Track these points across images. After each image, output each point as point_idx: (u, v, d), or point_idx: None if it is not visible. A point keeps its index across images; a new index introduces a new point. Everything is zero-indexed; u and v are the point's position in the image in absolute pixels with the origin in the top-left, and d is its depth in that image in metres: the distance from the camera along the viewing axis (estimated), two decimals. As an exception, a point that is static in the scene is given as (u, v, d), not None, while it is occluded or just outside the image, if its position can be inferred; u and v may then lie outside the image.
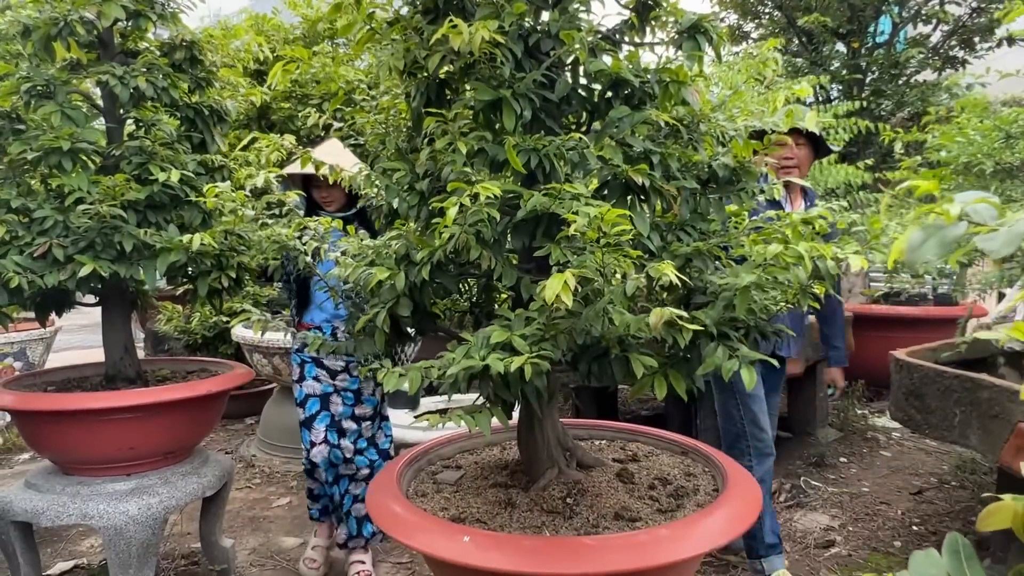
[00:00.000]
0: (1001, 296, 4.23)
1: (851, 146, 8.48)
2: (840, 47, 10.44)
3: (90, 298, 3.32)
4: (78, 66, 3.28)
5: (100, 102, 3.32)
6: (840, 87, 9.86)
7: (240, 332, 5.08)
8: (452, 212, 1.60)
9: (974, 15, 10.14)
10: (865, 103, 8.95)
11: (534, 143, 1.87)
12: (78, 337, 10.46)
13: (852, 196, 6.52)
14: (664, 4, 2.44)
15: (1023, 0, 3.50)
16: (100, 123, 3.37)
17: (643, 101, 2.10)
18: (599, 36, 2.20)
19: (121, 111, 3.24)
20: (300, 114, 2.23)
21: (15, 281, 2.63)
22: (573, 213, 1.66)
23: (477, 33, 1.67)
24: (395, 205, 2.05)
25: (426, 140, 1.92)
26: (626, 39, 2.52)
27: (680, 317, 1.61)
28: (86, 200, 2.82)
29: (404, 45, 2.01)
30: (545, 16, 2.17)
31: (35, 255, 2.75)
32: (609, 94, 2.11)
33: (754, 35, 11.74)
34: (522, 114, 1.92)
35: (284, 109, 4.93)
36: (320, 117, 2.08)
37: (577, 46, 1.85)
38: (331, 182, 2.26)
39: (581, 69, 2.10)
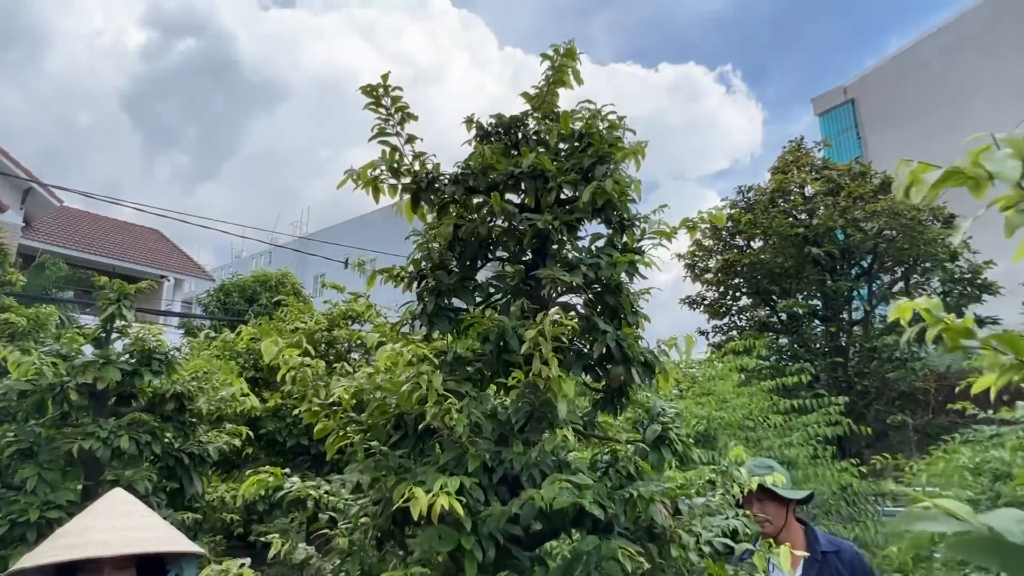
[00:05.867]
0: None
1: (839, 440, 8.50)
2: (819, 322, 10.98)
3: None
4: (68, 416, 3.36)
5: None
6: (823, 368, 10.16)
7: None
8: None
9: (942, 297, 10.79)
10: (849, 386, 9.16)
11: (497, 590, 1.82)
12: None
13: (856, 506, 6.36)
14: (633, 396, 2.56)
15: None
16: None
17: (609, 526, 2.08)
18: (565, 453, 2.25)
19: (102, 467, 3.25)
20: (265, 538, 2.19)
21: None
22: None
23: (437, 501, 1.69)
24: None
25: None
26: (596, 430, 2.60)
27: None
28: None
29: (372, 474, 2.04)
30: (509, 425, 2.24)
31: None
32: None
33: (735, 308, 12.42)
34: (486, 554, 1.89)
35: (275, 422, 5.02)
36: (284, 545, 2.06)
37: (539, 495, 1.86)
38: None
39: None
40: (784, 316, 10.97)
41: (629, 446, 2.39)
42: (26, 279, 14.06)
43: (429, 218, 2.68)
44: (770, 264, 10.59)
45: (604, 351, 2.27)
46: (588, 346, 2.37)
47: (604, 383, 2.55)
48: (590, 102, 2.49)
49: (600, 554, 1.97)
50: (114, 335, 3.55)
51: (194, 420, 3.51)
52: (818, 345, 10.31)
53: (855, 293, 10.28)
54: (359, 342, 6.03)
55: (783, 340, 10.65)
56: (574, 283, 2.17)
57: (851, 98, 30.39)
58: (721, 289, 12.08)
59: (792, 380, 6.63)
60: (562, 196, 2.56)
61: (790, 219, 10.56)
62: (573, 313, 2.27)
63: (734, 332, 11.41)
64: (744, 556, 2.17)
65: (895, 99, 27.55)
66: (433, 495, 1.73)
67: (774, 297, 10.96)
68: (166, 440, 3.34)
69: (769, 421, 6.19)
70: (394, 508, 1.81)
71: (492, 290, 2.59)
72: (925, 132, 23.96)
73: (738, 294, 12.03)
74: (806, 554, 2.41)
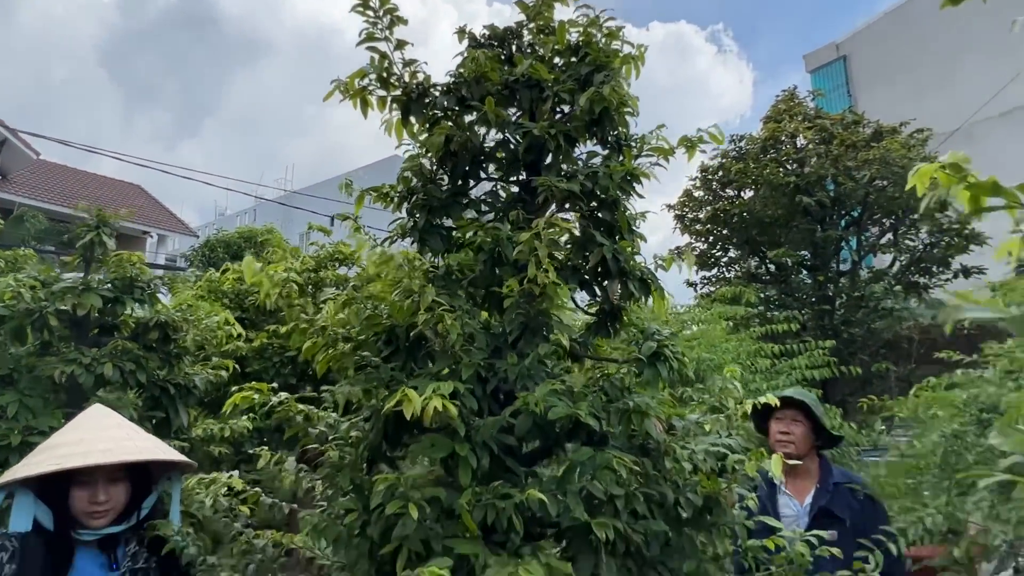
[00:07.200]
0: None
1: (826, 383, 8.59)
2: (806, 274, 11.02)
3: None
4: (49, 345, 3.28)
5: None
6: (810, 316, 10.22)
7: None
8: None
9: (929, 248, 10.84)
10: (835, 334, 9.22)
11: (492, 496, 1.79)
12: None
13: (838, 449, 6.45)
14: (627, 316, 2.52)
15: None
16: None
17: (604, 439, 2.06)
18: (559, 370, 2.22)
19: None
20: (254, 452, 2.15)
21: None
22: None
23: (430, 403, 1.65)
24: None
25: (383, 486, 1.82)
26: (589, 351, 2.56)
27: None
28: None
29: (363, 386, 1.99)
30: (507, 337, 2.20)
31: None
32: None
33: (724, 259, 12.44)
34: (480, 463, 1.86)
35: (261, 362, 4.98)
36: (273, 457, 2.02)
37: (534, 399, 1.83)
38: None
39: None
40: (772, 267, 11.00)
41: (623, 367, 2.35)
42: (4, 229, 13.75)
43: (421, 138, 2.59)
44: (760, 214, 10.58)
45: (600, 265, 2.21)
46: (583, 262, 2.31)
47: (599, 307, 2.50)
48: (588, 7, 2.39)
49: (595, 464, 1.94)
50: (94, 264, 3.45)
51: (179, 352, 3.44)
52: (805, 295, 10.36)
53: (844, 243, 10.30)
54: (347, 284, 5.94)
55: (771, 291, 10.70)
56: (571, 191, 2.09)
57: (843, 55, 29.98)
58: (710, 239, 12.09)
59: (780, 328, 6.65)
60: (558, 110, 2.47)
61: (781, 168, 10.51)
62: (569, 221, 2.20)
63: (722, 284, 11.45)
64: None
65: (887, 56, 27.21)
66: (426, 398, 1.68)
67: (763, 248, 10.98)
68: (151, 370, 3.28)
69: (757, 365, 6.24)
70: (385, 412, 1.76)
71: (485, 208, 2.51)
72: (915, 89, 23.72)
73: (727, 245, 12.04)
74: (795, 461, 2.41)
